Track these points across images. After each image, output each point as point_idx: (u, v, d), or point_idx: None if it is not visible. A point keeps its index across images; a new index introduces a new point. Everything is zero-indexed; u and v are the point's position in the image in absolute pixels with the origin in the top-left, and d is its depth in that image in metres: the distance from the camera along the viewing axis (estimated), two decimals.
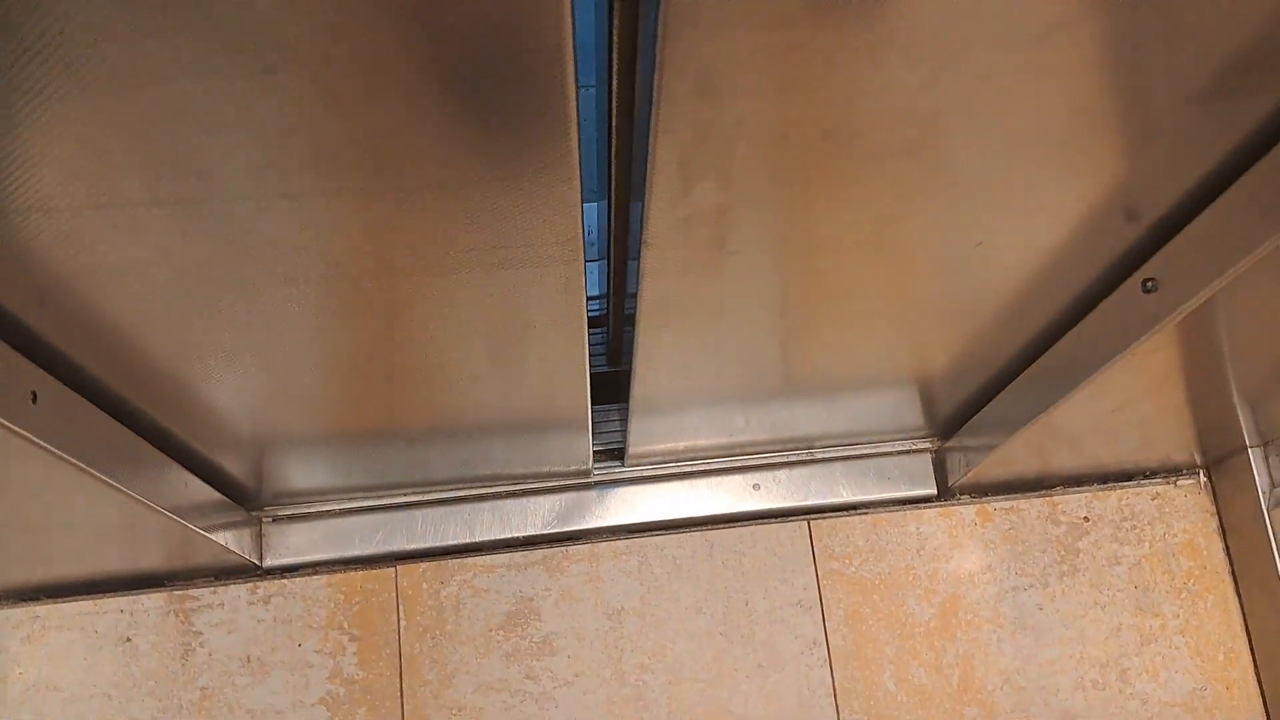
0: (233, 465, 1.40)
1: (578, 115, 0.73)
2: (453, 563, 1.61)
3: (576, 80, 0.70)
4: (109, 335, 0.97)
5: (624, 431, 1.49)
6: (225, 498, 1.47)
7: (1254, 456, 1.60)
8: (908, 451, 1.67)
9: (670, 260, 0.94)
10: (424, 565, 1.60)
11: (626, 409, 1.37)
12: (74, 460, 1.01)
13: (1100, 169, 0.88)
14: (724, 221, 0.89)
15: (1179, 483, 1.69)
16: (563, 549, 1.62)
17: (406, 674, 1.57)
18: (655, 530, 1.64)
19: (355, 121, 0.71)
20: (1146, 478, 1.70)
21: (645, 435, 1.47)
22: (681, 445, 1.53)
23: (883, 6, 0.65)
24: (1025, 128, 0.81)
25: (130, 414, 1.16)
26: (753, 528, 1.65)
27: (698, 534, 1.64)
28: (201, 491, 1.38)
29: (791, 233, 0.92)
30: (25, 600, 1.57)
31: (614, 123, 0.75)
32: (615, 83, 0.71)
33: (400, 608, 1.59)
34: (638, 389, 1.26)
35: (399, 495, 1.60)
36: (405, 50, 0.64)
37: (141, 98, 0.66)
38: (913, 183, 0.87)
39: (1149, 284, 1.01)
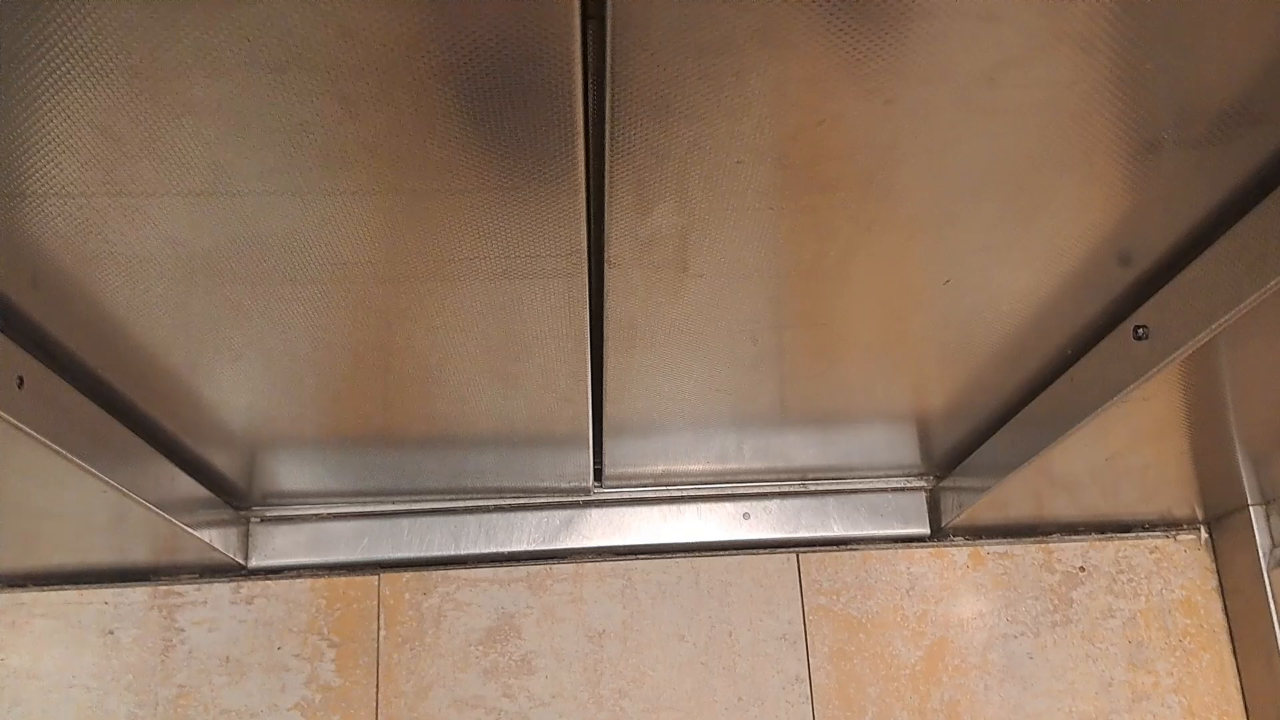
0: (223, 463, 1.40)
1: (585, 130, 0.74)
2: (436, 574, 1.60)
3: (585, 96, 0.70)
4: (108, 325, 0.98)
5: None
6: (213, 495, 1.47)
7: (1255, 515, 1.57)
8: (902, 489, 1.66)
9: (635, 280, 0.94)
10: (407, 575, 1.60)
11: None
12: (57, 447, 1.02)
13: (1066, 212, 0.87)
14: (685, 244, 0.89)
15: (1179, 537, 1.67)
16: (547, 567, 1.61)
17: (383, 684, 1.56)
18: (642, 554, 1.63)
19: (365, 124, 0.72)
20: (1145, 530, 1.67)
21: (622, 457, 1.46)
22: (660, 469, 1.52)
23: (831, 36, 0.65)
24: (980, 167, 0.80)
25: (122, 406, 1.17)
26: (740, 557, 1.63)
27: (684, 560, 1.62)
28: (189, 487, 1.38)
29: (752, 259, 0.92)
30: (13, 586, 1.58)
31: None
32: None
33: (381, 616, 1.58)
34: (609, 409, 1.25)
35: (387, 503, 1.60)
36: (416, 56, 0.65)
37: (157, 90, 0.67)
38: (871, 215, 0.86)
39: (1140, 331, 1.00)
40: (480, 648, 1.57)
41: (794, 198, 0.83)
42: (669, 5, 0.62)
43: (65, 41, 0.63)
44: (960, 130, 0.75)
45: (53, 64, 0.65)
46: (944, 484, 1.61)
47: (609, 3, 0.62)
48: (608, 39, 0.64)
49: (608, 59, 0.66)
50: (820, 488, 1.65)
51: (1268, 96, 0.73)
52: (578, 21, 0.64)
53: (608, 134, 0.73)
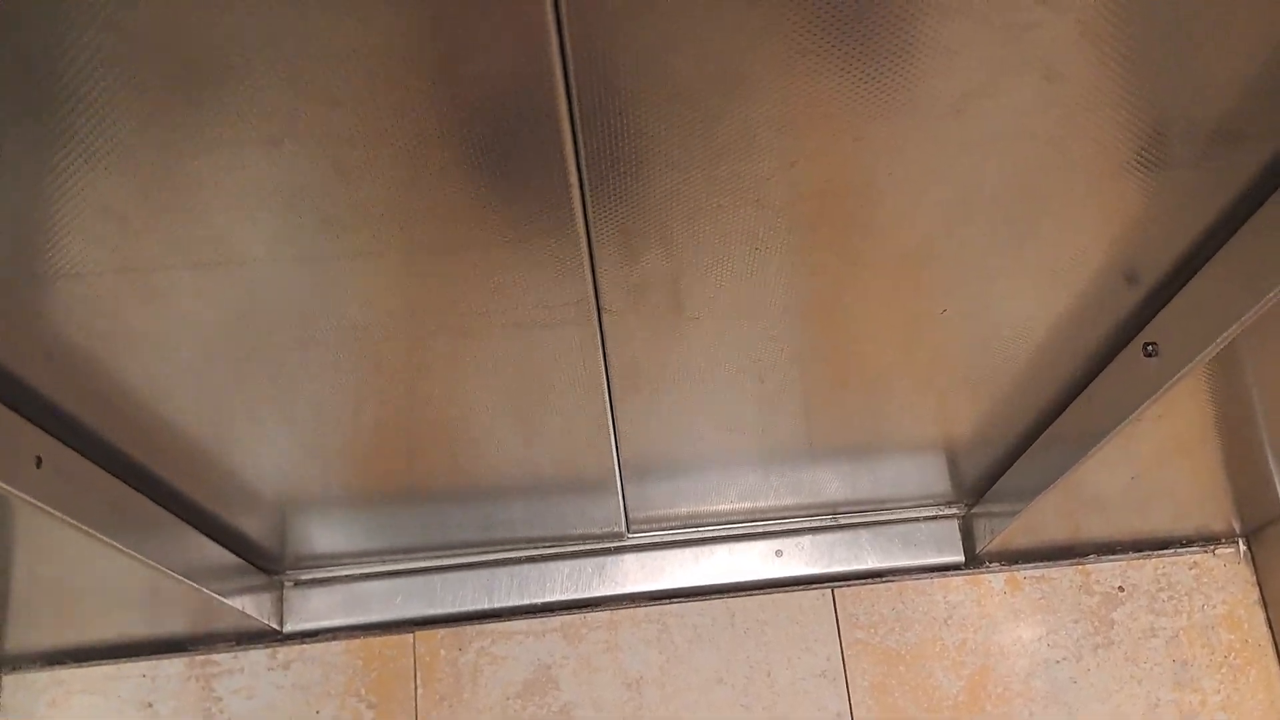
0: (253, 529, 1.41)
1: (580, 181, 0.74)
2: (471, 629, 1.60)
3: (576, 146, 0.71)
4: (125, 398, 0.99)
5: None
6: (245, 561, 1.48)
7: None
8: (934, 517, 1.64)
9: (633, 326, 0.95)
10: (442, 631, 1.60)
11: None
12: (80, 525, 1.03)
13: (1055, 237, 0.87)
14: (678, 288, 0.89)
15: (1217, 551, 1.64)
16: (581, 616, 1.61)
17: None
18: (675, 598, 1.62)
19: (361, 189, 0.73)
20: (1183, 546, 1.65)
21: (646, 500, 1.46)
22: (686, 510, 1.52)
23: (792, 79, 0.66)
24: (959, 197, 0.81)
25: (145, 477, 1.18)
26: (775, 595, 1.62)
27: (719, 601, 1.62)
28: (219, 555, 1.39)
29: (746, 299, 0.92)
30: (50, 664, 1.59)
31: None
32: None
33: (418, 675, 1.58)
34: (625, 453, 1.25)
35: (419, 559, 1.60)
36: (406, 121, 0.67)
37: (156, 169, 0.69)
38: (857, 251, 0.87)
39: (1150, 348, 0.99)
40: (518, 701, 1.57)
41: (777, 238, 0.83)
42: (627, 57, 0.63)
43: (63, 129, 0.64)
44: (933, 163, 0.76)
45: (53, 151, 0.66)
46: (975, 510, 1.59)
47: (569, 56, 0.63)
48: (572, 89, 0.65)
49: (574, 107, 0.67)
50: (852, 520, 1.64)
51: (1246, 114, 0.73)
52: (560, 77, 0.65)
53: (585, 186, 0.74)
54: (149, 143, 0.66)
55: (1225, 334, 0.87)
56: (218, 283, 0.82)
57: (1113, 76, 0.68)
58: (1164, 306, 0.97)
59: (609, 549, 1.62)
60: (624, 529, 1.57)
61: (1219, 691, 1.58)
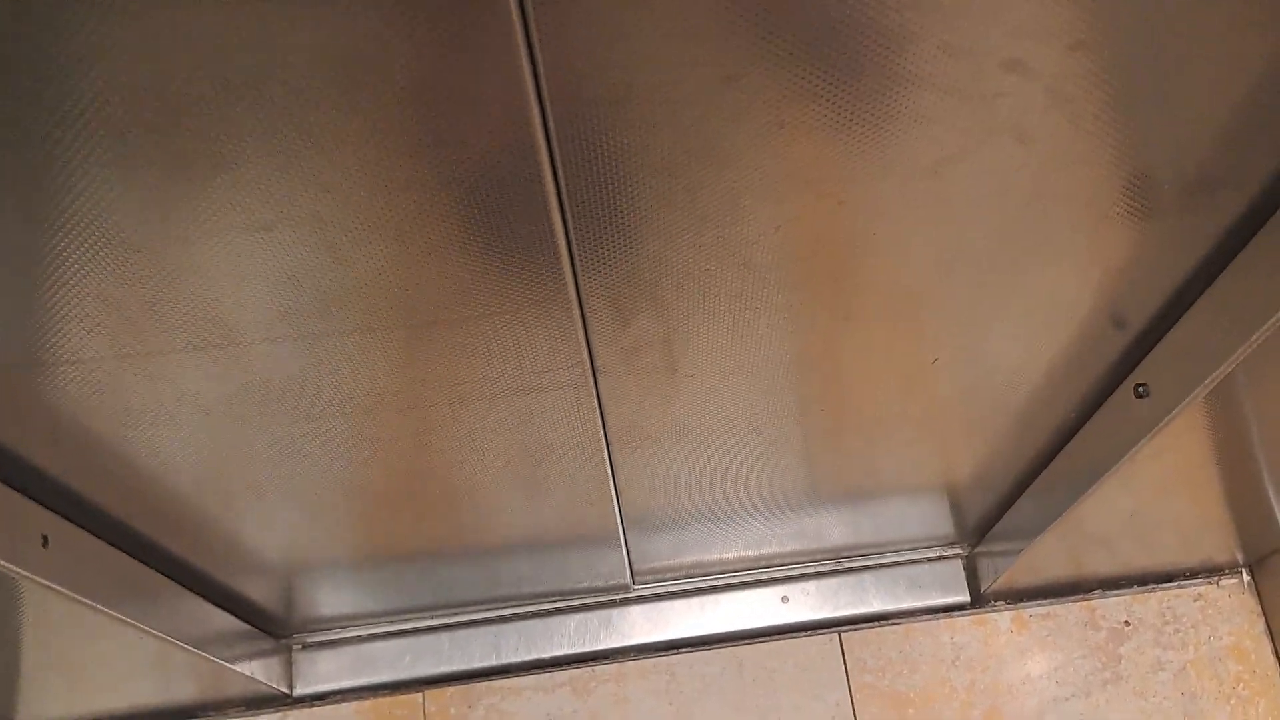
0: (260, 594, 1.42)
1: (570, 251, 0.76)
2: (480, 686, 1.60)
3: (564, 219, 0.73)
4: (130, 474, 1.00)
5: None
6: (252, 627, 1.49)
7: None
8: (938, 558, 1.65)
9: (628, 386, 0.96)
10: (451, 689, 1.60)
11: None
12: (87, 601, 1.04)
13: (1038, 287, 0.89)
14: (670, 348, 0.91)
15: (1221, 583, 1.64)
16: (589, 669, 1.61)
17: None
18: (683, 648, 1.62)
19: (354, 267, 0.74)
20: (1187, 579, 1.65)
21: (649, 553, 1.47)
22: (690, 560, 1.53)
23: (772, 148, 0.67)
24: (941, 253, 0.82)
25: (151, 549, 1.19)
26: (782, 642, 1.62)
27: (726, 650, 1.62)
28: (227, 623, 1.39)
29: (739, 356, 0.93)
30: None
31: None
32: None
33: None
34: (626, 508, 1.26)
35: (426, 618, 1.61)
36: (396, 201, 0.68)
37: (153, 257, 0.70)
38: (846, 307, 0.88)
39: (1141, 389, 1.00)
40: None
41: (767, 298, 0.85)
42: (610, 137, 0.65)
43: (60, 220, 0.66)
44: (915, 221, 0.77)
45: (51, 241, 0.67)
46: (979, 550, 1.60)
47: (553, 132, 0.64)
48: (558, 166, 0.67)
49: (558, 184, 0.68)
50: (856, 564, 1.64)
51: (1220, 162, 0.74)
52: (545, 156, 0.66)
53: (575, 256, 0.75)
54: (144, 232, 0.68)
55: (1215, 374, 0.88)
56: (217, 362, 0.83)
57: (1085, 136, 0.69)
58: (1153, 348, 0.98)
59: (615, 601, 1.62)
60: (629, 581, 1.57)
61: None
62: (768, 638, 1.63)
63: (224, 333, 0.80)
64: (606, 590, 1.60)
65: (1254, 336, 0.82)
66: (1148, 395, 1.00)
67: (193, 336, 0.79)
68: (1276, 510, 1.44)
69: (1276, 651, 1.60)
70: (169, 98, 0.58)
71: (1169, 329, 0.95)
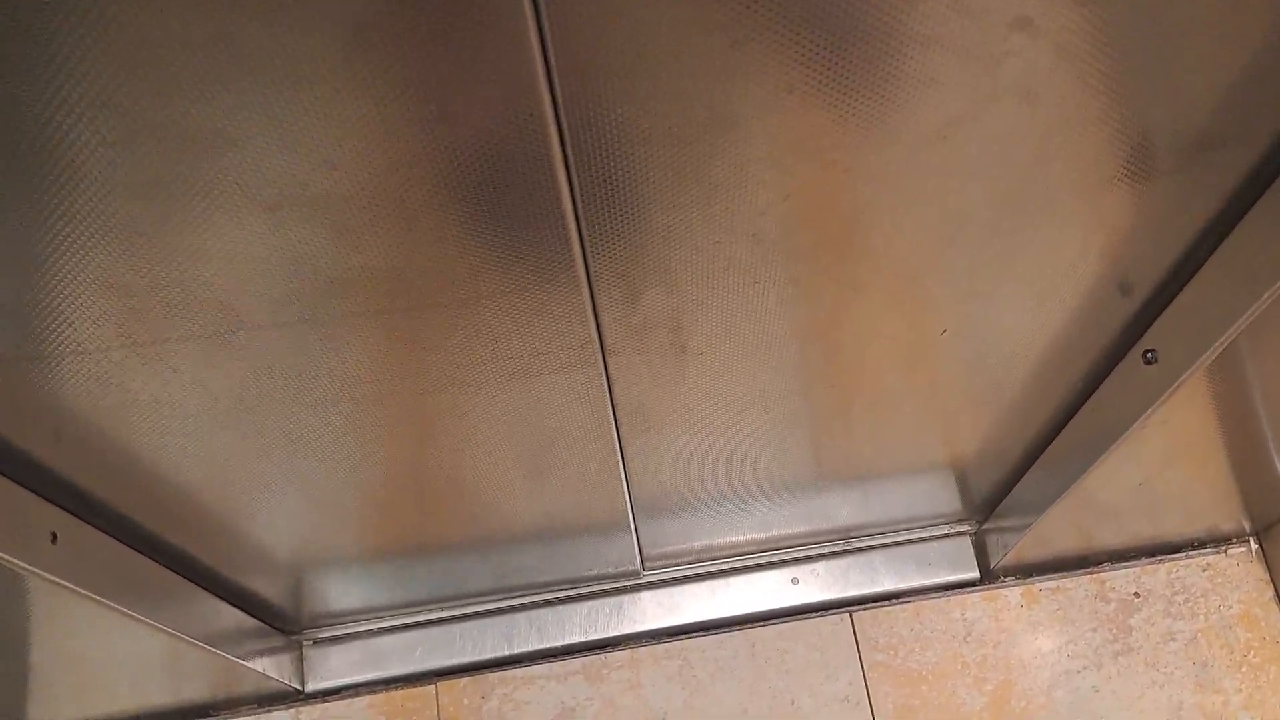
0: (270, 590, 1.41)
1: (579, 227, 0.75)
2: (493, 676, 1.60)
3: (573, 194, 0.72)
4: (138, 469, 1.00)
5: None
6: (263, 623, 1.48)
7: None
8: (947, 535, 1.65)
9: (637, 365, 0.95)
10: (464, 680, 1.60)
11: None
12: (97, 597, 1.03)
13: (1043, 253, 0.89)
14: (679, 326, 0.90)
15: (1229, 552, 1.64)
16: (602, 656, 1.61)
17: None
18: (695, 632, 1.62)
19: (360, 248, 0.74)
20: (1196, 548, 1.65)
21: (659, 537, 1.46)
22: (700, 544, 1.52)
23: (780, 116, 0.67)
24: (946, 219, 0.82)
25: (160, 546, 1.18)
26: (794, 623, 1.62)
27: (738, 633, 1.62)
28: (237, 619, 1.39)
29: (748, 332, 0.93)
30: None
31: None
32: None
33: None
34: (635, 492, 1.26)
35: (437, 610, 1.60)
36: (401, 179, 0.67)
37: (157, 242, 0.70)
38: (853, 277, 0.88)
39: (1149, 355, 1.00)
40: None
41: (776, 270, 0.84)
42: (618, 108, 0.64)
43: (65, 207, 0.65)
44: (922, 187, 0.77)
45: (55, 229, 0.67)
46: (987, 526, 1.60)
47: (561, 105, 0.64)
48: (566, 140, 0.66)
49: (568, 153, 0.68)
50: (865, 544, 1.64)
51: (1227, 120, 0.74)
52: (554, 130, 0.66)
53: (583, 231, 0.75)
54: (148, 216, 0.67)
55: (1223, 337, 0.88)
56: (224, 349, 0.83)
57: (1092, 95, 0.69)
58: (1160, 314, 0.98)
59: (626, 588, 1.62)
60: (639, 567, 1.57)
61: (1240, 691, 1.57)
62: (779, 620, 1.63)
63: (231, 318, 0.79)
64: (617, 576, 1.60)
65: (1264, 296, 0.82)
66: (1156, 361, 0.99)
67: (199, 323, 0.79)
68: None
69: None
70: (176, 84, 0.57)
71: (1176, 293, 0.94)
